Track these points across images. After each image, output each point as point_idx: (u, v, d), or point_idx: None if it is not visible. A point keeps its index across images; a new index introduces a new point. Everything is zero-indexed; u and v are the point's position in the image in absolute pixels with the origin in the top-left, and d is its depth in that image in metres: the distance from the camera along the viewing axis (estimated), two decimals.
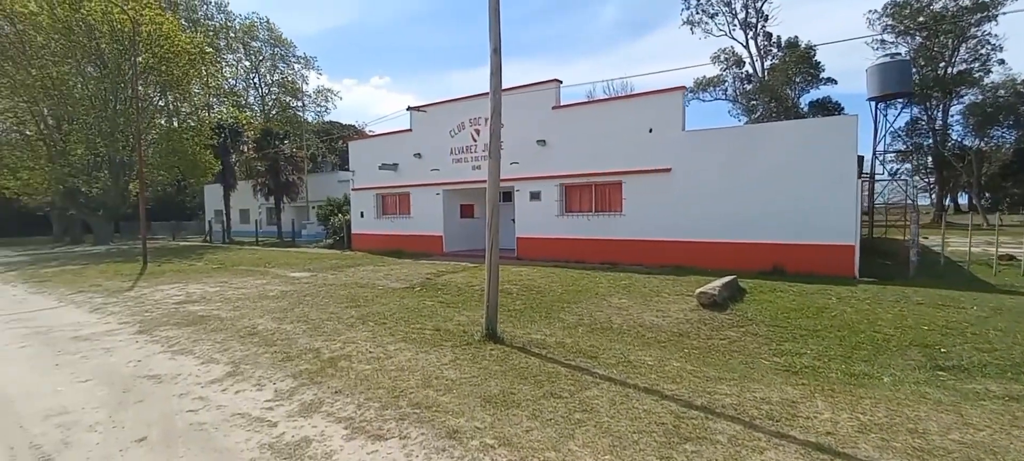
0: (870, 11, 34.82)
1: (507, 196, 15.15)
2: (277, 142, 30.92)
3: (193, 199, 39.88)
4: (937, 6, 31.93)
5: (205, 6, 44.59)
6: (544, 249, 14.80)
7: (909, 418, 4.06)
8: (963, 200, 43.65)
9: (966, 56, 32.56)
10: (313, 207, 30.26)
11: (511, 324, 7.38)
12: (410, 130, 18.26)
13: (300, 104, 45.81)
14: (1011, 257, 12.94)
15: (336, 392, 4.78)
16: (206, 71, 33.64)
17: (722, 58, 38.92)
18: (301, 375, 5.29)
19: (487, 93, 6.67)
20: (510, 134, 14.13)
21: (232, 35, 44.88)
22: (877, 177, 24.98)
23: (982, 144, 34.10)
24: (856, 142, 10.58)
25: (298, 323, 7.70)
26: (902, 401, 4.44)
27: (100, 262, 17.69)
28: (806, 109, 35.62)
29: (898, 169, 35.20)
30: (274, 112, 46.39)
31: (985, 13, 30.30)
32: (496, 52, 6.55)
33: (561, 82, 14.69)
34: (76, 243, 29.13)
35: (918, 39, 33.11)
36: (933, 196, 38.12)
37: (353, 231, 20.87)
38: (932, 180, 37.95)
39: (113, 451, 3.73)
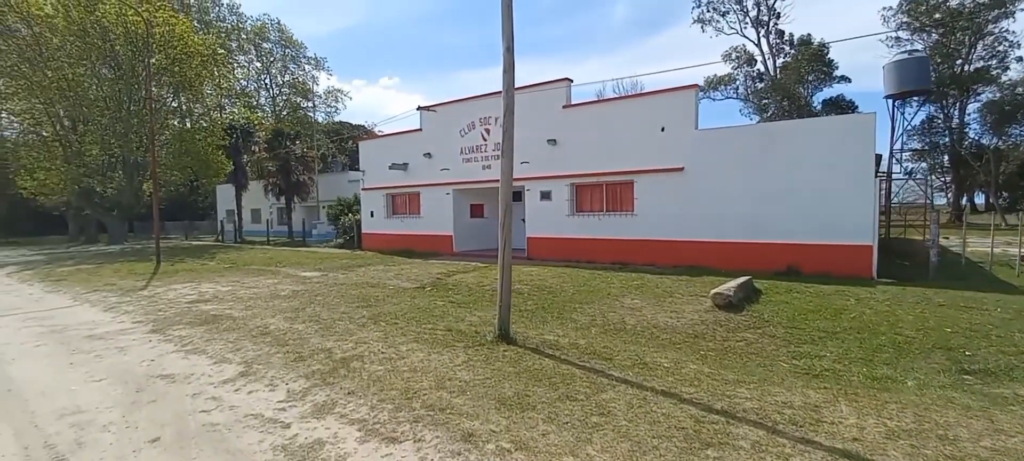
0: (885, 8, 34.23)
1: (517, 196, 15.08)
2: (288, 142, 31.10)
3: (205, 199, 40.28)
4: (954, 2, 31.34)
5: (217, 8, 45.17)
6: (555, 249, 14.72)
7: (938, 424, 3.93)
8: (979, 200, 42.87)
9: (983, 53, 31.94)
10: (323, 207, 30.46)
11: (523, 324, 7.31)
12: (420, 130, 18.26)
13: (311, 105, 46.18)
14: None
15: (349, 393, 4.74)
16: (218, 72, 34.02)
17: (733, 56, 38.48)
18: (313, 375, 5.25)
19: (497, 92, 6.63)
20: (521, 133, 13.88)
21: (244, 36, 45.41)
22: (894, 177, 24.54)
23: (1000, 142, 33.45)
24: (874, 140, 10.39)
25: (310, 323, 7.69)
26: (929, 406, 4.31)
27: (114, 261, 17.88)
28: (819, 107, 35.10)
29: (914, 168, 34.64)
30: (285, 113, 46.84)
31: (1003, 9, 29.67)
32: (509, 50, 6.49)
33: (572, 81, 14.59)
34: (91, 242, 29.55)
35: (934, 36, 32.52)
36: (949, 195, 37.46)
37: (363, 231, 20.93)
38: (948, 179, 37.28)
39: (127, 452, 3.71)
